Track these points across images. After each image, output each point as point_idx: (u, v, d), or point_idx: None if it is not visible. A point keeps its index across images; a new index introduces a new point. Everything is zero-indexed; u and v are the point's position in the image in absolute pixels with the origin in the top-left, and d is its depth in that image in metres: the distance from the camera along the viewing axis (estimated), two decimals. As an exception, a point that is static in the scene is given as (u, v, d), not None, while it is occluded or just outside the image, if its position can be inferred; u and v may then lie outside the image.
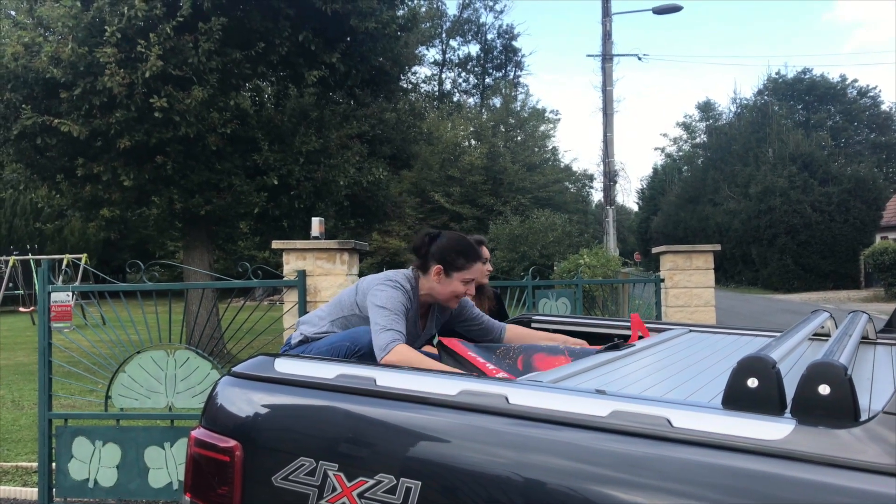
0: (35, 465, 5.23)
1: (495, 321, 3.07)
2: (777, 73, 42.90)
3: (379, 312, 2.55)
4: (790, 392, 1.27)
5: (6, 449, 6.01)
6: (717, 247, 7.14)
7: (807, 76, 42.21)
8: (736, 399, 1.29)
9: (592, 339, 2.95)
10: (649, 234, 47.36)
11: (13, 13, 10.25)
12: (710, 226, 35.68)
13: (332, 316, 2.79)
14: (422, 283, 2.76)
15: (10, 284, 18.58)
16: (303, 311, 4.87)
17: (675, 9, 17.30)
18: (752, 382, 1.28)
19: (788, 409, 1.26)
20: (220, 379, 1.74)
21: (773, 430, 1.19)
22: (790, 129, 34.34)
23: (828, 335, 2.56)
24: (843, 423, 1.18)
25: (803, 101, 42.29)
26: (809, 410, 1.22)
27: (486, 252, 3.65)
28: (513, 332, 3.02)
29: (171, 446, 4.38)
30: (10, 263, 18.25)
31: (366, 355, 2.51)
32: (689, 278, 6.88)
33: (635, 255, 40.60)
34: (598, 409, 1.33)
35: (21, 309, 18.39)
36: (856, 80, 42.49)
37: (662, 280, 7.00)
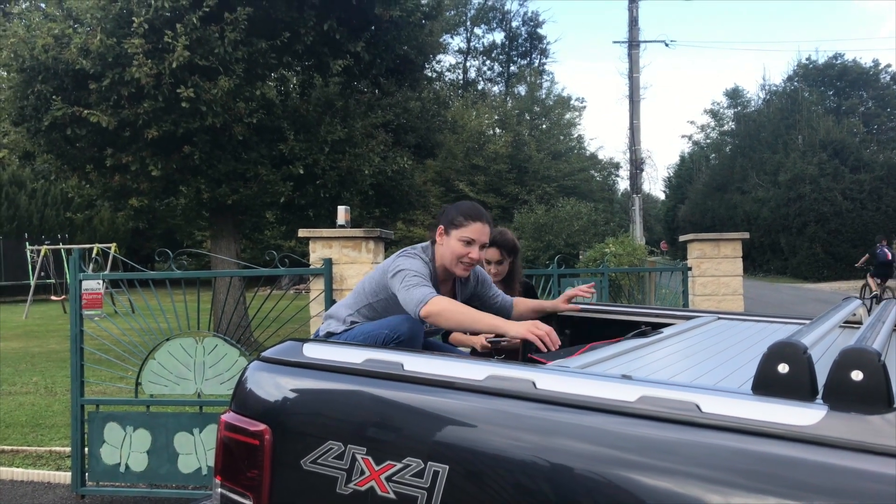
0: (68, 449, 5.34)
1: (507, 298, 3.09)
2: (808, 59, 42.21)
3: (401, 276, 2.56)
4: (821, 378, 1.26)
5: (40, 434, 6.14)
6: (746, 235, 7.05)
7: (838, 61, 41.45)
8: (766, 385, 1.28)
9: (619, 326, 2.94)
10: (676, 222, 46.93)
11: (43, 5, 10.39)
12: (738, 214, 35.27)
13: (357, 305, 2.77)
14: (436, 251, 2.77)
15: (42, 273, 18.90)
16: (329, 299, 4.91)
17: (703, -6, 17.04)
18: (783, 368, 1.27)
19: (820, 395, 1.24)
20: (249, 364, 1.76)
21: (805, 415, 1.18)
22: (821, 115, 33.76)
23: (859, 323, 2.52)
24: (876, 408, 1.16)
25: (834, 86, 41.55)
26: (841, 396, 1.20)
27: (490, 252, 3.36)
28: (520, 304, 3.08)
29: (199, 432, 4.45)
30: (42, 253, 18.56)
31: (404, 343, 2.50)
32: (716, 266, 6.81)
33: (662, 244, 40.30)
34: (626, 394, 1.32)
35: (53, 297, 18.72)
36: (889, 66, 41.80)
37: (690, 268, 6.93)
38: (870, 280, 17.33)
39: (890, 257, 16.85)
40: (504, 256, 3.49)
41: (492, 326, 2.42)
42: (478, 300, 3.00)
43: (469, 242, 2.68)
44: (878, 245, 17.24)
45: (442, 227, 2.72)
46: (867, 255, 17.91)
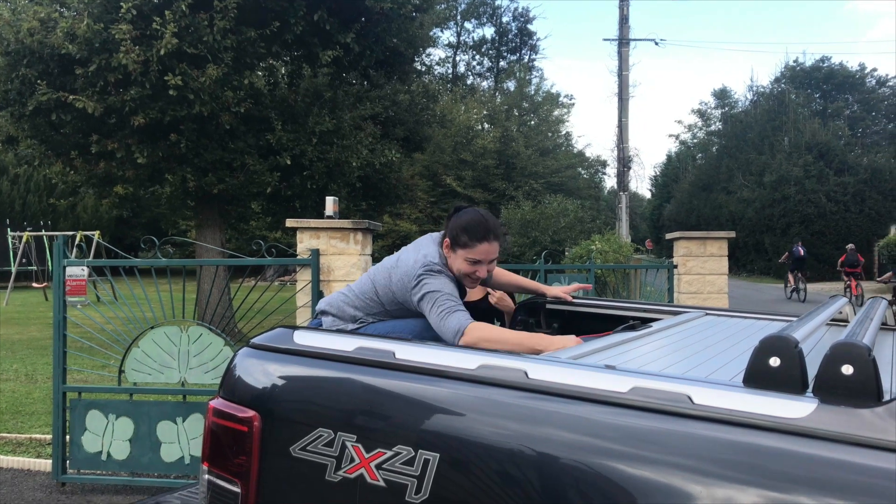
0: (49, 437, 5.29)
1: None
2: (795, 61, 42.58)
3: (431, 298, 2.44)
4: (811, 373, 1.27)
5: (20, 421, 6.08)
6: (732, 234, 7.09)
7: (825, 64, 41.79)
8: (757, 378, 1.28)
9: (607, 321, 2.95)
10: (662, 221, 47.17)
11: (29, -12, 10.26)
12: (723, 214, 35.50)
13: (371, 309, 2.64)
14: (447, 258, 2.64)
15: (24, 260, 18.72)
16: (316, 289, 4.89)
17: (693, -7, 17.12)
18: (774, 361, 1.28)
19: (810, 389, 1.25)
20: (239, 350, 1.75)
21: (796, 408, 1.19)
22: (807, 117, 34.04)
23: (846, 321, 2.54)
24: (865, 402, 1.17)
25: (821, 89, 41.89)
26: (832, 390, 1.21)
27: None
28: (501, 276, 3.10)
29: (183, 421, 4.42)
30: (24, 239, 18.38)
31: None
32: (702, 265, 6.84)
33: (647, 242, 40.45)
34: (618, 384, 1.32)
35: (34, 284, 18.56)
36: (875, 69, 42.14)
37: (675, 266, 6.96)
38: (789, 275, 20.91)
39: (802, 254, 20.41)
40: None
41: (532, 349, 2.28)
42: None
43: (476, 262, 2.58)
44: (795, 245, 20.76)
45: (448, 241, 2.59)
46: (787, 252, 21.25)
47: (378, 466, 1.43)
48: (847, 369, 1.21)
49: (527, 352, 2.29)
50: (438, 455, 1.38)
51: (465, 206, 2.72)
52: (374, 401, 1.51)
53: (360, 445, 1.46)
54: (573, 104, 46.16)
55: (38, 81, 8.99)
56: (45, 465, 4.94)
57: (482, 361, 1.46)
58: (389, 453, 1.43)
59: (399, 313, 2.61)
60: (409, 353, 1.54)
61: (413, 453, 1.40)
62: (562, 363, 1.47)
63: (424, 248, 2.64)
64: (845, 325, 2.39)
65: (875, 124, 41.89)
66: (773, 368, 1.27)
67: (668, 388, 1.29)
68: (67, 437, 4.62)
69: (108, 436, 4.49)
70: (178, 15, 8.71)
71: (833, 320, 2.53)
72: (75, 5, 9.04)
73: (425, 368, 1.49)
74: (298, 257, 5.03)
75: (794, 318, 2.34)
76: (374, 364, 1.54)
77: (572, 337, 2.29)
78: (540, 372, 1.40)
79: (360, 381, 1.54)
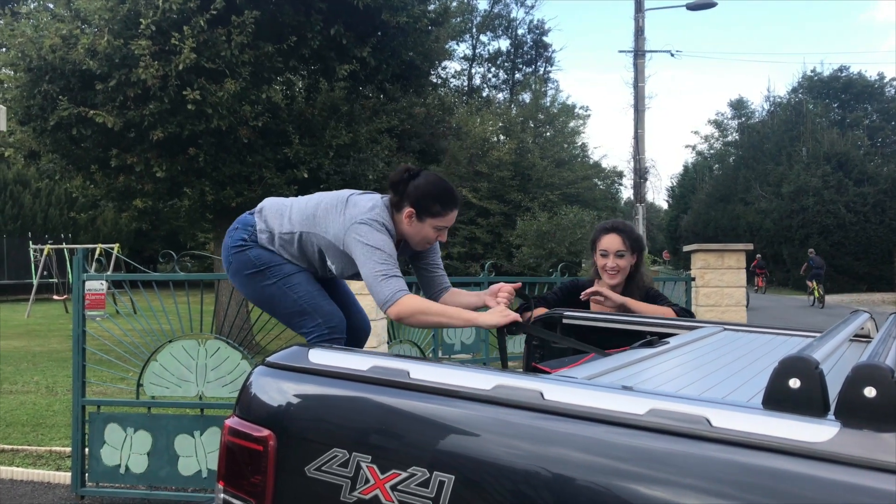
0: (68, 450, 5.32)
1: (445, 278, 2.85)
2: (812, 71, 42.23)
3: (372, 252, 2.43)
4: (832, 394, 1.25)
5: (40, 434, 6.13)
6: (750, 246, 7.04)
7: (843, 74, 41.47)
8: (777, 400, 1.26)
9: (624, 336, 2.92)
10: (679, 232, 46.86)
11: (51, 5, 10.43)
12: (741, 225, 35.24)
13: (303, 227, 2.66)
14: (395, 217, 2.63)
15: (45, 273, 18.91)
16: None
17: (710, 5, 17.08)
18: (794, 383, 1.25)
19: (832, 411, 1.23)
20: (254, 368, 1.75)
21: (817, 432, 1.16)
22: (825, 127, 33.81)
23: (868, 337, 2.50)
24: (889, 426, 1.15)
25: (839, 99, 41.56)
26: (854, 413, 1.18)
27: (612, 241, 3.07)
28: (450, 296, 2.80)
29: (200, 435, 4.43)
30: (45, 252, 18.57)
31: (338, 340, 2.47)
32: (720, 277, 6.79)
33: (664, 253, 40.21)
34: (635, 406, 1.31)
35: (55, 297, 18.72)
36: (894, 79, 41.67)
37: (693, 279, 6.91)
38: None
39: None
40: (627, 248, 3.12)
41: (467, 322, 2.39)
42: (415, 258, 2.85)
43: (441, 229, 2.58)
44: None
45: (413, 210, 2.57)
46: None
47: (393, 488, 1.42)
48: (870, 392, 1.18)
49: (460, 325, 2.36)
50: (454, 476, 1.37)
51: (419, 169, 2.68)
52: (389, 421, 1.50)
53: (374, 466, 1.45)
54: (589, 115, 46.29)
55: (60, 97, 9.11)
56: (65, 477, 4.97)
57: (497, 382, 1.45)
58: (404, 474, 1.42)
59: (314, 243, 2.63)
60: (423, 372, 1.53)
61: (428, 475, 1.39)
62: (579, 384, 1.46)
63: (372, 200, 2.64)
64: (869, 342, 2.35)
65: (895, 133, 41.48)
66: (793, 390, 1.25)
67: (686, 409, 1.27)
68: (86, 450, 4.64)
69: (127, 449, 4.51)
70: (196, 30, 8.81)
71: (855, 336, 2.49)
72: (96, 22, 9.16)
73: (440, 388, 1.48)
74: (315, 271, 5.03)
75: (815, 334, 2.31)
76: (389, 383, 1.54)
77: (499, 310, 2.38)
78: (556, 393, 1.39)
79: (374, 401, 1.54)
